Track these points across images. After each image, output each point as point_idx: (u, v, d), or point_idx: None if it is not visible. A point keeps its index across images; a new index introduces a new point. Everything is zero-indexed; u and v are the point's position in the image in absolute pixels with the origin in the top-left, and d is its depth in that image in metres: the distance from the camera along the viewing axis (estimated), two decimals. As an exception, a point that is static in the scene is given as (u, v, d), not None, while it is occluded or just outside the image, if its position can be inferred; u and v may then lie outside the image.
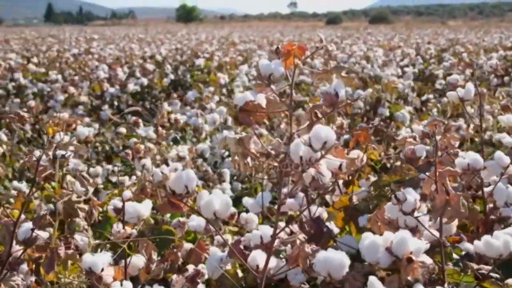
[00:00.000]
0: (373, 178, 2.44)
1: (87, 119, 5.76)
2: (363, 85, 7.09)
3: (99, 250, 2.05)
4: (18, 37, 20.24)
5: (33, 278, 1.87)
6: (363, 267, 1.42)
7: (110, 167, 4.16)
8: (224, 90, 7.54)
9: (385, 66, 8.82)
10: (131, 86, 7.43)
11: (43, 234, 1.69)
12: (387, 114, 5.27)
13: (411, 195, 1.57)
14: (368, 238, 1.37)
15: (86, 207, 1.86)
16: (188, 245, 2.07)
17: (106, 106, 7.02)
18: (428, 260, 1.31)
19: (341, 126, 3.18)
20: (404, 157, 1.79)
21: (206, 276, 1.81)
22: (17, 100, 6.77)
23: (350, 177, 2.65)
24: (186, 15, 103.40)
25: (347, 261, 1.40)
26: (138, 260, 1.93)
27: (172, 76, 8.14)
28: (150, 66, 8.22)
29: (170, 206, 1.53)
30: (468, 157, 1.68)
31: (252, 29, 38.74)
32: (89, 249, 1.90)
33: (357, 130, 2.46)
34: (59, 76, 7.56)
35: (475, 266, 1.61)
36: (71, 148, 1.81)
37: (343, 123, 3.25)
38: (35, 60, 8.51)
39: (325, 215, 2.36)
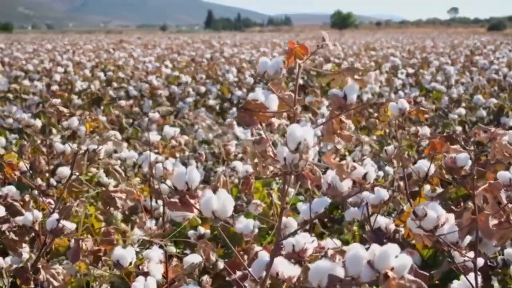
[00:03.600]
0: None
1: (208, 121, 5.93)
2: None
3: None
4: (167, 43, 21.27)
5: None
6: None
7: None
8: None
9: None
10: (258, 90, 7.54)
11: (69, 226, 1.77)
12: (511, 124, 4.91)
13: (435, 211, 1.45)
14: (353, 249, 1.28)
15: (123, 195, 1.93)
16: (257, 248, 2.06)
17: (234, 109, 7.20)
18: (411, 279, 1.20)
19: (415, 134, 3.02)
20: (445, 166, 1.66)
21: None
22: (150, 101, 7.13)
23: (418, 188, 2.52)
24: (341, 22, 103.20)
25: (340, 272, 1.32)
26: (194, 260, 1.94)
27: (300, 81, 8.15)
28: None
29: (180, 205, 1.54)
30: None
31: (405, 35, 37.81)
32: (128, 242, 1.97)
33: (433, 138, 2.32)
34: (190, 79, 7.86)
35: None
36: (110, 143, 1.88)
37: (418, 130, 3.09)
38: (168, 64, 8.92)
39: (392, 227, 2.26)
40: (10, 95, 5.95)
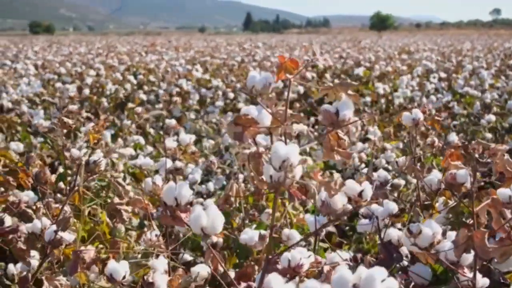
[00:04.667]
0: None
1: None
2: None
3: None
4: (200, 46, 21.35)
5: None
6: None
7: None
8: (383, 100, 7.33)
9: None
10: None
11: (67, 237, 1.77)
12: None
13: (431, 228, 1.40)
14: (339, 272, 1.24)
15: (129, 208, 1.93)
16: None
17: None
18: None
19: (432, 144, 2.95)
20: (445, 182, 1.61)
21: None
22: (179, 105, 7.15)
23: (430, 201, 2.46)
24: (380, 23, 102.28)
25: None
26: (202, 271, 1.92)
27: (331, 85, 8.07)
28: (309, 75, 8.25)
29: (172, 219, 1.53)
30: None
31: (445, 37, 37.25)
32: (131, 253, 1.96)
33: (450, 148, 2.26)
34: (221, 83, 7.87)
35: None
36: (115, 155, 1.88)
37: (434, 141, 3.02)
38: (199, 67, 8.95)
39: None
40: (37, 99, 6.05)
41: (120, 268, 1.70)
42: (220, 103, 7.11)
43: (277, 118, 1.40)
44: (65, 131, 1.93)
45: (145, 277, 1.86)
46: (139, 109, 4.15)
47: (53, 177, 2.25)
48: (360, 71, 8.27)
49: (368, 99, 7.21)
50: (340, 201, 1.48)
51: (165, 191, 1.44)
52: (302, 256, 1.64)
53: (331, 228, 2.99)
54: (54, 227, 1.74)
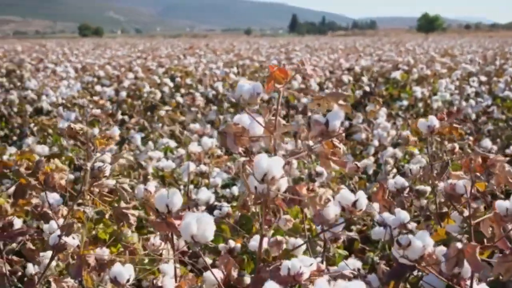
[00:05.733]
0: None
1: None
2: None
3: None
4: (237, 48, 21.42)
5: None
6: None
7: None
8: (420, 104, 7.21)
9: None
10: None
11: (71, 241, 1.79)
12: None
13: (421, 240, 1.37)
14: (317, 285, 1.22)
15: (136, 213, 1.94)
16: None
17: (300, 116, 7.16)
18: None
19: (452, 151, 2.89)
20: (444, 193, 1.57)
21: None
22: (214, 107, 7.18)
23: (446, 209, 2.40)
24: (428, 25, 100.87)
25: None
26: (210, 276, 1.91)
27: (367, 89, 8.01)
28: (345, 78, 8.19)
29: (166, 225, 1.54)
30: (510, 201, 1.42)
31: (493, 39, 36.46)
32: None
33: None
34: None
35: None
36: (122, 161, 1.90)
37: (454, 147, 2.95)
38: (235, 70, 8.98)
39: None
40: (73, 101, 6.16)
41: (125, 271, 1.72)
42: (255, 106, 7.10)
43: (269, 128, 1.39)
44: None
45: (154, 281, 1.88)
46: (163, 113, 4.20)
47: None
48: (397, 74, 8.15)
49: (405, 102, 7.10)
50: (332, 211, 1.47)
51: (157, 198, 1.45)
52: (302, 264, 1.63)
53: (353, 234, 2.96)
54: (58, 231, 1.77)
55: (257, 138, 1.41)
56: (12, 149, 4.21)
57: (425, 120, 2.33)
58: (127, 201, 1.88)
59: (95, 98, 6.01)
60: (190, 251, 2.86)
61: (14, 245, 2.29)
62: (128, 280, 1.75)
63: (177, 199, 1.45)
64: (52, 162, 2.38)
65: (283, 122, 1.46)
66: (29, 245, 2.14)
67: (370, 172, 4.56)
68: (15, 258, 2.27)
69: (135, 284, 2.16)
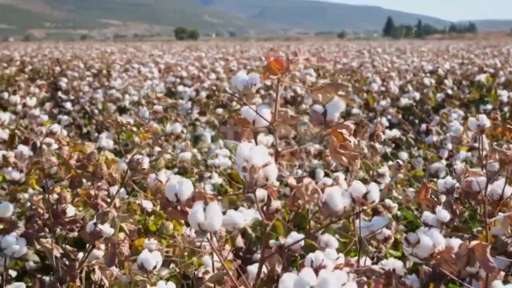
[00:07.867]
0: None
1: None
2: None
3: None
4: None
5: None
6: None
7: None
8: (506, 109, 6.93)
9: None
10: (404, 100, 7.34)
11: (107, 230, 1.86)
12: None
13: (431, 238, 1.33)
14: (302, 273, 1.21)
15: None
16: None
17: (380, 119, 7.05)
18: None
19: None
20: (461, 191, 1.52)
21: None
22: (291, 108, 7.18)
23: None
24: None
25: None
26: (254, 270, 1.94)
27: (450, 92, 7.78)
28: (427, 80, 7.98)
29: (180, 213, 1.57)
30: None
31: None
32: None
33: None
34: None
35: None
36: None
37: (510, 148, 2.83)
38: (312, 72, 8.93)
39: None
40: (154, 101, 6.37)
41: (151, 258, 1.77)
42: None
43: (265, 119, 1.39)
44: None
45: (196, 272, 1.92)
46: (220, 110, 4.27)
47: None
48: (482, 77, 7.87)
49: (488, 106, 6.85)
50: (341, 203, 1.45)
51: (167, 187, 1.48)
52: (326, 258, 1.62)
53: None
54: (94, 220, 1.85)
55: (261, 129, 1.42)
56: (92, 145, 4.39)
57: (475, 119, 2.25)
58: (155, 194, 1.94)
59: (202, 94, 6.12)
60: (244, 246, 2.90)
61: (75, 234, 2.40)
62: (154, 267, 1.80)
63: (186, 189, 1.48)
64: (102, 154, 2.49)
65: (292, 113, 1.46)
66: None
67: (442, 175, 4.43)
68: (68, 247, 2.36)
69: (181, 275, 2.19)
